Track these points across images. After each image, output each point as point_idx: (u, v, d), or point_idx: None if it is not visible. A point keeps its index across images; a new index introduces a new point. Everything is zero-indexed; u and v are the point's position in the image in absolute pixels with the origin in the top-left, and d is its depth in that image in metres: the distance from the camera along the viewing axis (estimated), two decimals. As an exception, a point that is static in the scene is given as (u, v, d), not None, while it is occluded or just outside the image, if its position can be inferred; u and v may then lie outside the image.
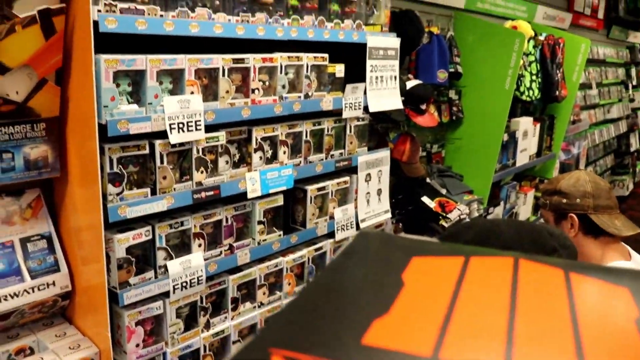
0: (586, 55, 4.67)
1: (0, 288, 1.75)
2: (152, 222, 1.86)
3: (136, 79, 1.71)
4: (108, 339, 1.75)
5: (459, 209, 3.51)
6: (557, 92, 4.56)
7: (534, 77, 4.33)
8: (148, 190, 1.80)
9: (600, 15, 6.37)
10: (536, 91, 4.36)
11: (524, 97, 4.22)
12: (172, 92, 1.81)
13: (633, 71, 7.70)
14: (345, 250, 0.53)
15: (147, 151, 1.77)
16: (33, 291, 1.80)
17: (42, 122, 1.70)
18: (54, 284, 1.85)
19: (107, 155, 1.68)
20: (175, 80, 1.82)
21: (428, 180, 3.78)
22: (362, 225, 2.65)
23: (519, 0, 4.56)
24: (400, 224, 3.45)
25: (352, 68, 2.47)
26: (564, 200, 1.76)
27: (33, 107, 1.66)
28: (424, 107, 3.18)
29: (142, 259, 1.86)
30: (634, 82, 7.74)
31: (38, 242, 1.88)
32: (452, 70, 3.61)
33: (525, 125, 4.27)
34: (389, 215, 2.80)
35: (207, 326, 2.09)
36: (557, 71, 4.54)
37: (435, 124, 3.32)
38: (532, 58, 4.28)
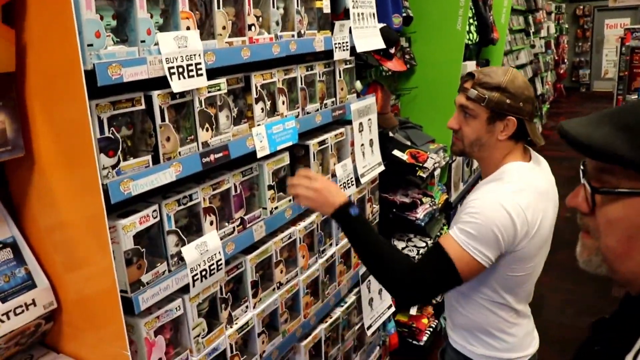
0: (512, -5, 4.68)
1: (-40, 319, 1.26)
2: (153, 201, 1.44)
3: (120, 7, 1.28)
4: (127, 357, 1.33)
5: (431, 158, 3.35)
6: (492, 35, 4.54)
7: (470, 20, 4.26)
8: (149, 157, 1.38)
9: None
10: (474, 34, 4.30)
11: (465, 41, 4.14)
12: (163, 29, 1.40)
13: (530, 18, 8.05)
14: None
15: (143, 106, 1.35)
16: (8, 318, 1.33)
17: (-7, 81, 1.21)
18: (34, 303, 1.38)
19: (94, 115, 1.24)
20: (165, 12, 1.40)
21: (391, 134, 3.59)
22: (362, 181, 2.37)
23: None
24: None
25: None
26: (508, 101, 1.56)
27: (-22, 59, 1.17)
28: (392, 51, 2.94)
29: (150, 251, 1.44)
30: (532, 29, 8.10)
31: (0, 252, 1.39)
32: (404, 14, 3.40)
33: (472, 68, 4.19)
34: (382, 167, 2.54)
35: (230, 321, 1.71)
36: (489, 13, 4.51)
37: (405, 69, 3.10)
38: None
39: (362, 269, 2.52)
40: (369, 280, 2.58)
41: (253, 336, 1.81)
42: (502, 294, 1.61)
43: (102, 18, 1.21)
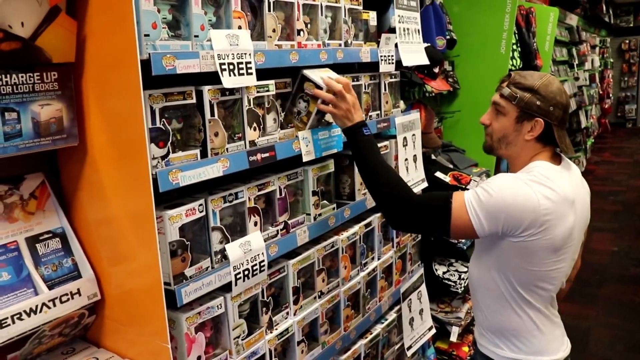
0: (555, 24, 4.65)
1: (9, 305, 1.28)
2: (200, 196, 1.45)
3: (176, 4, 1.32)
4: (168, 352, 1.31)
5: (474, 181, 3.29)
6: (535, 62, 4.49)
7: (513, 47, 4.23)
8: (197, 152, 1.39)
9: (546, -6, 6.49)
10: (518, 60, 4.26)
11: (509, 67, 4.10)
12: (215, 27, 1.43)
13: (574, 51, 7.95)
14: None
15: (193, 100, 1.37)
16: (54, 304, 1.34)
17: (54, 71, 1.26)
18: (79, 292, 1.39)
19: (147, 105, 1.26)
20: (217, 11, 1.44)
21: (433, 157, 3.55)
22: (405, 197, 2.33)
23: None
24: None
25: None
26: (538, 103, 1.58)
27: (43, 48, 1.22)
28: (436, 70, 2.93)
29: (194, 246, 1.44)
30: (576, 62, 7.98)
31: (49, 241, 1.42)
32: (448, 37, 3.41)
33: (516, 94, 4.14)
34: (426, 184, 2.50)
35: (270, 326, 1.68)
36: (533, 40, 4.48)
37: (449, 89, 3.09)
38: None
39: (404, 287, 2.46)
40: (410, 299, 2.51)
41: (293, 344, 1.77)
42: (521, 291, 1.62)
43: (159, 11, 1.25)
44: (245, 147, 1.52)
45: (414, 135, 2.42)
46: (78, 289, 1.39)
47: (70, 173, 1.46)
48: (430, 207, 1.59)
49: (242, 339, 1.56)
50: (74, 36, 1.26)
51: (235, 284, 1.50)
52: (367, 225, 2.14)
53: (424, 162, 3.07)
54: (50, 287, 1.35)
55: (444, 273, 3.33)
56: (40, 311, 1.31)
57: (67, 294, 1.36)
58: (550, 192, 1.51)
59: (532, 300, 1.64)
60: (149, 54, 1.21)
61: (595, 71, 10.08)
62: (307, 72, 1.71)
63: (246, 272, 1.53)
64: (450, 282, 3.24)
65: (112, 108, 1.31)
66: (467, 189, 3.14)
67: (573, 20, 8.03)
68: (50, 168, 1.47)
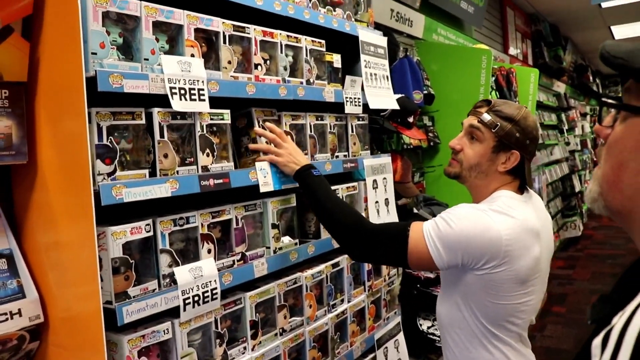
0: (537, 84, 4.79)
1: (-56, 324, 1.25)
2: (148, 217, 1.45)
3: (127, 28, 1.39)
4: (105, 374, 1.26)
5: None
6: (518, 120, 4.57)
7: (495, 105, 4.33)
8: (146, 172, 1.41)
9: (530, 61, 6.74)
10: (500, 118, 4.34)
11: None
12: (168, 54, 1.50)
13: (563, 116, 8.12)
14: None
15: (142, 121, 1.41)
16: (-9, 324, 1.31)
17: (5, 89, 1.31)
18: (19, 313, 1.36)
19: (94, 122, 1.30)
20: (172, 40, 1.51)
21: (415, 210, 3.55)
22: (376, 238, 2.31)
23: (467, 37, 4.68)
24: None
25: (343, 65, 2.26)
26: (517, 135, 1.56)
27: (-7, 67, 1.28)
28: (411, 119, 3.00)
29: (141, 267, 1.43)
30: (566, 127, 8.14)
31: (-5, 263, 1.41)
32: (425, 92, 3.51)
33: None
34: (400, 228, 2.48)
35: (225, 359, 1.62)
36: (515, 99, 4.60)
37: (424, 138, 3.14)
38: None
39: (379, 334, 2.38)
40: (386, 348, 2.42)
41: (250, 383, 1.70)
42: (490, 327, 1.55)
43: (109, 33, 1.32)
44: (198, 172, 1.54)
45: (384, 179, 2.44)
46: (19, 309, 1.36)
47: (22, 194, 1.47)
48: (387, 235, 1.56)
49: (191, 370, 1.50)
50: (27, 57, 1.32)
51: (184, 309, 1.47)
52: (334, 266, 2.11)
53: (405, 216, 3.09)
54: (-11, 308, 1.33)
55: (428, 328, 3.23)
56: (-25, 331, 1.28)
57: (5, 314, 1.33)
58: (512, 222, 1.48)
59: (502, 336, 1.57)
60: (96, 70, 1.26)
61: (586, 137, 10.25)
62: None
63: (196, 298, 1.50)
64: (435, 337, 3.14)
65: (61, 127, 1.34)
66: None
67: (561, 87, 8.27)
68: (3, 189, 1.49)
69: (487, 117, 1.59)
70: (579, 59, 10.53)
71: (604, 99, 0.75)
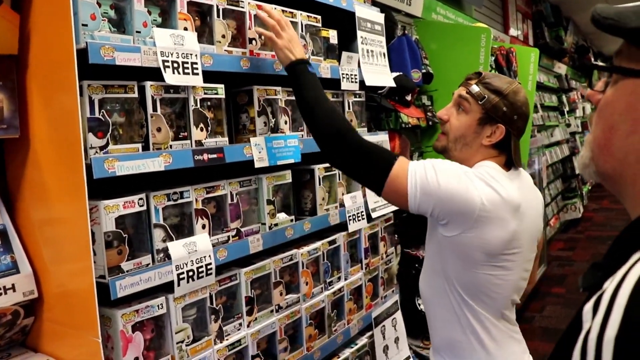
0: (537, 64, 4.74)
1: (-62, 298, 1.25)
2: (142, 191, 1.44)
3: (119, 0, 1.36)
4: (98, 346, 1.27)
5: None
6: (518, 101, 4.54)
7: (494, 86, 4.30)
8: (139, 146, 1.40)
9: (531, 42, 6.68)
10: (499, 98, 4.31)
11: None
12: (161, 27, 1.47)
13: (564, 98, 8.08)
14: None
15: (135, 94, 1.39)
16: (-15, 299, 1.31)
17: (-5, 62, 1.29)
18: (13, 288, 1.36)
19: (86, 95, 1.28)
20: (164, 13, 1.48)
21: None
22: (373, 216, 2.31)
23: (467, 17, 4.63)
24: (396, 235, 3.13)
25: (340, 42, 2.23)
26: (504, 109, 1.53)
27: (-18, 39, 1.26)
28: (409, 98, 2.97)
29: (134, 241, 1.42)
30: (567, 108, 8.10)
31: (-12, 238, 1.40)
32: (424, 71, 3.48)
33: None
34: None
35: (220, 335, 1.62)
36: (515, 79, 4.56)
37: (422, 116, 3.12)
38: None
39: (376, 312, 2.39)
40: (384, 326, 2.43)
41: (247, 358, 1.71)
42: (467, 298, 1.52)
43: (100, 5, 1.30)
44: (192, 146, 1.53)
45: (382, 156, 2.42)
46: (13, 285, 1.36)
47: (15, 170, 1.46)
48: (373, 155, 1.50)
49: (187, 345, 1.51)
50: (17, 29, 1.30)
51: (178, 284, 1.47)
52: (331, 243, 2.11)
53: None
54: (-17, 283, 1.33)
55: (426, 306, 3.24)
56: (-31, 305, 1.28)
57: (-1, 289, 1.33)
58: (491, 192, 1.44)
59: (479, 310, 1.53)
60: (87, 42, 1.24)
61: (587, 119, 10.21)
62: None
63: (190, 274, 1.50)
64: (432, 316, 3.15)
65: (53, 101, 1.33)
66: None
67: (562, 69, 8.21)
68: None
69: (475, 88, 1.56)
70: (581, 39, 10.43)
71: (594, 62, 0.74)
